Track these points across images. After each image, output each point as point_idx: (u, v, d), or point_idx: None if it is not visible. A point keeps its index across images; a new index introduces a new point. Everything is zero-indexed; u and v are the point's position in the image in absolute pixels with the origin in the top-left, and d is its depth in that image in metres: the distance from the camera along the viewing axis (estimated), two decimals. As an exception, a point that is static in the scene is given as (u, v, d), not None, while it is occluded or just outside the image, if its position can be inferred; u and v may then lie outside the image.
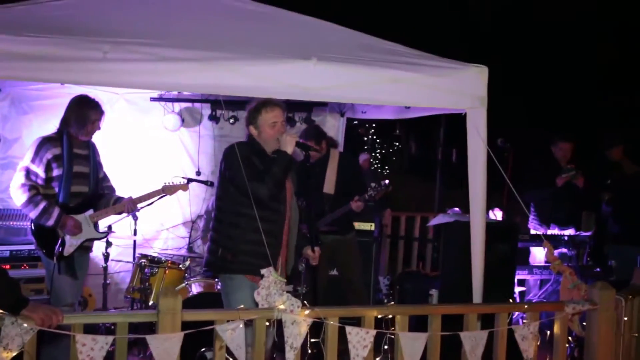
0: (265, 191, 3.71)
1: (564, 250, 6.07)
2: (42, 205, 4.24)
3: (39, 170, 4.29)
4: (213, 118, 6.47)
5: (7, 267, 4.96)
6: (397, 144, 17.50)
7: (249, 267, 3.70)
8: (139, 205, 4.84)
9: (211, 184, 5.80)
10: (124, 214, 4.86)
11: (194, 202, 6.45)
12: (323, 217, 5.35)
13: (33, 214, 4.25)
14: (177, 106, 6.44)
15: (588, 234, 6.33)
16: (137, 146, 6.39)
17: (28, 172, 4.28)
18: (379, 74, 3.86)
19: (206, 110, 6.52)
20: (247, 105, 3.92)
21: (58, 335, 2.89)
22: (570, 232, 6.37)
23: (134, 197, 4.75)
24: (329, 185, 5.49)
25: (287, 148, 3.81)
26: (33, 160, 4.29)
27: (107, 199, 4.68)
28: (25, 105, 6.04)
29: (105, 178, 4.76)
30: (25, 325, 2.73)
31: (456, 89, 3.99)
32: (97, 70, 3.43)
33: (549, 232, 6.41)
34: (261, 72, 3.69)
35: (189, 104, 6.51)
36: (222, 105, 6.14)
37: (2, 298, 2.73)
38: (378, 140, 15.63)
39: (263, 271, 3.10)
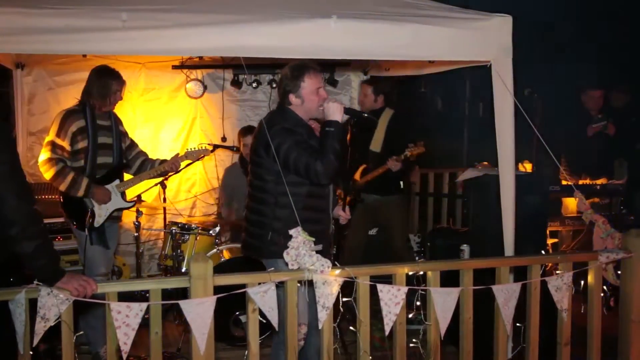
0: (328, 170, 3.42)
1: (597, 199, 5.99)
2: (70, 177, 4.29)
3: (65, 144, 4.32)
4: (235, 83, 6.45)
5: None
6: (423, 100, 17.26)
7: None
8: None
9: (236, 149, 5.81)
10: (152, 182, 4.90)
11: (220, 168, 6.47)
12: (365, 174, 5.36)
13: (63, 186, 4.30)
14: (199, 73, 6.43)
15: (621, 182, 6.23)
16: (162, 115, 6.42)
17: (54, 146, 4.32)
18: (400, 29, 3.79)
19: (228, 75, 6.50)
20: (282, 73, 3.65)
21: (95, 304, 2.94)
22: (602, 181, 6.27)
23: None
24: (376, 143, 5.49)
25: (337, 116, 3.51)
26: (58, 134, 4.32)
27: (151, 162, 4.74)
28: (49, 80, 6.09)
29: (133, 145, 4.79)
30: (61, 295, 2.78)
31: (480, 40, 3.90)
32: (117, 39, 3.42)
33: (581, 182, 6.32)
34: (281, 33, 3.64)
35: (210, 70, 6.49)
36: (244, 70, 6.10)
37: (44, 270, 2.78)
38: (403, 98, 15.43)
39: (291, 231, 3.09)
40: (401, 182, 5.84)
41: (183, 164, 4.91)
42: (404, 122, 5.79)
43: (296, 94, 3.58)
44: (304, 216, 3.38)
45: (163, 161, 4.77)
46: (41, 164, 4.33)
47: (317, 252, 3.09)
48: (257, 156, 3.60)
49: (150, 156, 4.85)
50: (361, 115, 4.08)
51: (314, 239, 3.09)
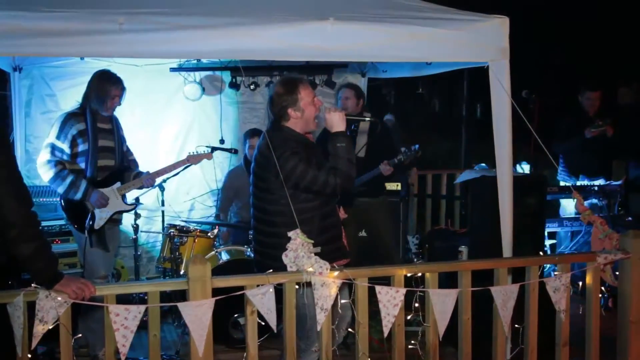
0: (346, 183, 3.44)
1: (594, 200, 6.00)
2: (69, 179, 4.29)
3: (64, 146, 4.33)
4: (234, 85, 6.45)
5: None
6: (421, 102, 17.29)
7: (330, 256, 3.34)
8: (164, 177, 4.91)
9: (235, 152, 5.82)
10: (146, 188, 4.92)
11: (218, 171, 6.47)
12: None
13: (61, 188, 4.31)
14: (197, 75, 6.43)
15: (619, 183, 6.24)
16: (160, 117, 6.42)
17: (53, 149, 4.33)
18: (398, 31, 3.79)
19: (227, 77, 6.50)
20: (274, 91, 3.59)
21: (93, 307, 2.94)
22: (600, 182, 6.28)
23: (158, 168, 4.80)
24: (359, 148, 5.50)
25: (341, 126, 3.51)
26: (58, 137, 4.33)
27: (129, 174, 4.73)
28: (47, 83, 6.08)
29: (129, 152, 4.80)
30: (59, 298, 2.77)
31: (477, 41, 3.90)
32: (113, 41, 3.42)
33: (579, 183, 6.33)
34: (279, 35, 3.63)
35: (209, 73, 6.49)
36: (241, 73, 6.11)
37: (42, 273, 2.77)
38: (401, 100, 15.47)
39: (290, 234, 3.09)
40: (398, 184, 5.87)
41: (179, 168, 4.91)
42: (384, 125, 5.84)
43: (295, 107, 3.52)
44: (322, 226, 3.45)
45: (137, 175, 4.75)
46: (40, 166, 4.34)
47: (337, 252, 3.06)
48: (264, 182, 3.51)
49: (148, 158, 4.87)
50: (363, 120, 4.09)
51: (312, 241, 3.09)
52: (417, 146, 5.35)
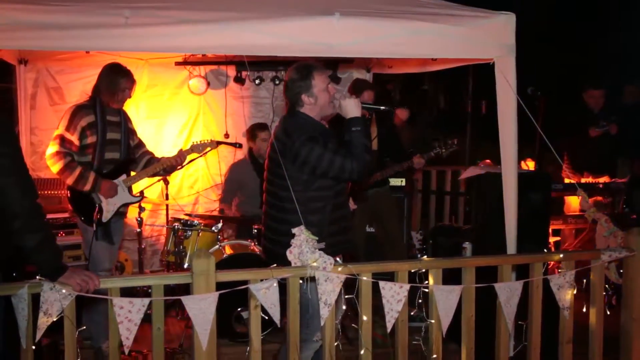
0: (363, 168, 3.42)
1: (599, 198, 5.99)
2: (78, 170, 4.30)
3: (74, 138, 4.34)
4: (238, 80, 6.44)
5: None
6: (426, 97, 17.24)
7: (338, 247, 3.47)
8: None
9: (239, 146, 5.81)
10: (157, 178, 4.91)
11: (223, 164, 6.48)
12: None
13: (70, 180, 4.32)
14: (202, 69, 6.43)
15: (624, 180, 6.23)
16: (165, 111, 6.42)
17: (63, 140, 4.34)
18: (403, 27, 3.78)
19: (232, 72, 6.50)
20: (288, 77, 3.54)
21: (97, 299, 2.94)
22: (604, 179, 6.27)
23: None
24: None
25: (356, 112, 3.48)
26: (67, 129, 4.34)
27: (156, 160, 4.76)
28: (52, 75, 6.09)
29: (140, 144, 4.80)
30: (63, 290, 2.78)
31: (483, 38, 3.90)
32: (120, 35, 3.43)
33: (583, 180, 6.33)
34: (284, 30, 3.64)
35: (214, 67, 6.49)
36: (246, 67, 6.11)
37: (46, 264, 2.78)
38: (406, 96, 15.43)
39: (294, 230, 3.09)
40: (403, 180, 5.91)
41: (189, 158, 4.90)
42: (391, 119, 5.87)
43: (308, 93, 3.50)
44: (334, 216, 3.46)
45: (157, 159, 4.78)
46: (48, 157, 4.35)
47: (345, 244, 3.16)
48: (280, 168, 3.44)
49: (154, 153, 4.86)
50: (378, 109, 4.15)
51: (317, 238, 3.09)
52: (455, 140, 5.40)
